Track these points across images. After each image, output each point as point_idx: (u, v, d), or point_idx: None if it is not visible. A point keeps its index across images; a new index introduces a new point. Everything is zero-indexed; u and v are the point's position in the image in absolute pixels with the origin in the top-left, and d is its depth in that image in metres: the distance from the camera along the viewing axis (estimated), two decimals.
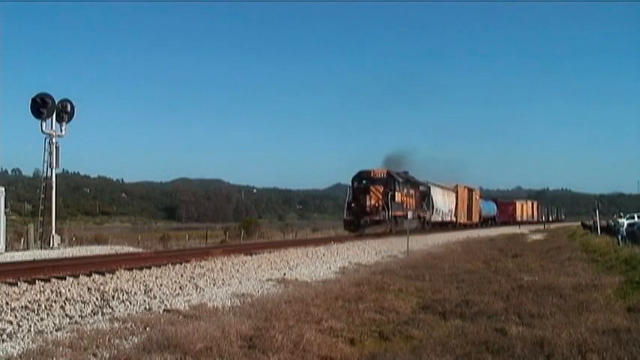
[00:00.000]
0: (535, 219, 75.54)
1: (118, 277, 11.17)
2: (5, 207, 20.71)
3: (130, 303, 8.87)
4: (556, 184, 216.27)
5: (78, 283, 10.26)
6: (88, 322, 7.53)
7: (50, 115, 22.38)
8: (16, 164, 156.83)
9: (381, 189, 29.91)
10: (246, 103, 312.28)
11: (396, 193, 30.86)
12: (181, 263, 13.81)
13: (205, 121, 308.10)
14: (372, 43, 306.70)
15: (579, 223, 55.30)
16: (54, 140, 22.54)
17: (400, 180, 32.15)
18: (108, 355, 5.92)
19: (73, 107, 23.21)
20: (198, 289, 10.39)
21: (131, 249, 22.55)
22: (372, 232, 28.62)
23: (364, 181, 30.86)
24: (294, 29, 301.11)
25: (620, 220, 30.37)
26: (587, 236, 31.60)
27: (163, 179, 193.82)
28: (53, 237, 21.99)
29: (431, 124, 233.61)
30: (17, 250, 20.33)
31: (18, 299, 8.54)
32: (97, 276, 11.23)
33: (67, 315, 7.89)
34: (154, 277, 11.32)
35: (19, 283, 9.94)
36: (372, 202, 29.40)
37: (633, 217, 40.55)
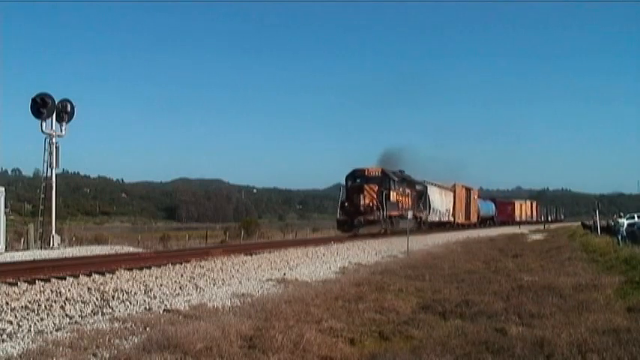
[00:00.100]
0: (534, 219, 75.27)
1: (118, 277, 11.16)
2: (5, 207, 20.71)
3: (130, 303, 8.87)
4: (556, 184, 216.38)
5: (78, 283, 10.26)
6: (88, 322, 7.53)
7: (50, 115, 22.38)
8: (16, 164, 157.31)
9: (376, 188, 28.96)
10: (246, 103, 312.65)
11: (391, 193, 30.04)
12: (181, 263, 13.81)
13: (205, 121, 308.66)
14: (372, 43, 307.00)
15: (579, 223, 55.27)
16: (54, 140, 22.54)
17: (395, 179, 31.30)
18: (108, 355, 5.92)
19: (73, 107, 23.21)
20: (198, 289, 10.39)
21: (131, 249, 22.56)
22: (366, 233, 27.75)
23: (358, 180, 29.84)
24: (294, 29, 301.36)
25: (620, 220, 30.38)
26: (587, 236, 31.60)
27: (163, 179, 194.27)
28: (53, 237, 22.00)
29: (431, 124, 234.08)
30: (17, 250, 20.34)
31: (18, 299, 8.54)
32: (97, 276, 11.23)
33: (67, 315, 7.89)
34: (153, 277, 11.32)
35: (19, 283, 9.94)
36: (366, 201, 28.48)
37: (633, 217, 40.58)
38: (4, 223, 20.33)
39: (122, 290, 9.74)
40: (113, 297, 9.21)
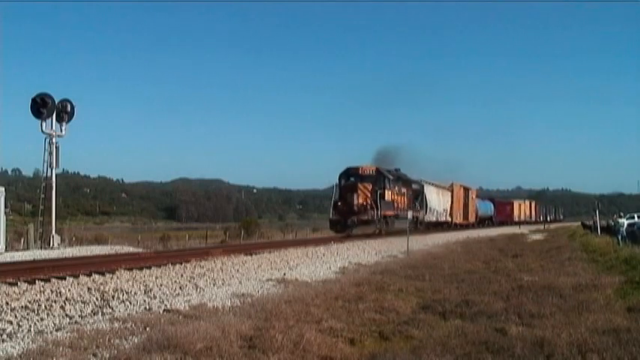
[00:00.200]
0: (533, 219, 74.94)
1: (118, 277, 11.16)
2: (5, 207, 20.71)
3: (130, 303, 8.87)
4: (556, 184, 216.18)
5: (78, 283, 10.26)
6: (88, 322, 7.53)
7: (50, 115, 22.38)
8: (16, 164, 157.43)
9: (370, 187, 27.87)
10: (246, 103, 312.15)
11: (386, 192, 28.99)
12: (181, 263, 13.81)
13: (205, 121, 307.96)
14: (372, 43, 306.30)
15: (579, 223, 55.24)
16: (54, 140, 22.54)
17: (390, 177, 30.36)
18: (108, 355, 5.92)
19: (73, 107, 23.21)
20: (198, 289, 10.39)
21: (131, 249, 22.56)
22: (360, 233, 26.86)
23: (352, 178, 28.78)
24: (294, 29, 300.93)
25: (620, 220, 30.39)
26: (587, 236, 31.61)
27: (163, 179, 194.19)
28: (53, 237, 22.00)
29: (431, 123, 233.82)
30: (17, 250, 20.34)
31: (18, 299, 8.54)
32: (97, 276, 11.23)
33: (67, 315, 7.89)
34: (154, 277, 11.32)
35: (19, 283, 9.94)
36: (360, 200, 27.34)
37: (633, 217, 40.58)
38: (4, 223, 20.33)
39: (122, 290, 9.74)
40: (113, 297, 9.22)
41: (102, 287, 9.87)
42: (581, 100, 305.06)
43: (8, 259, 15.60)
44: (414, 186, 35.76)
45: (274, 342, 6.33)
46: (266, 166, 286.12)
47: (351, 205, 27.20)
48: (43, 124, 22.27)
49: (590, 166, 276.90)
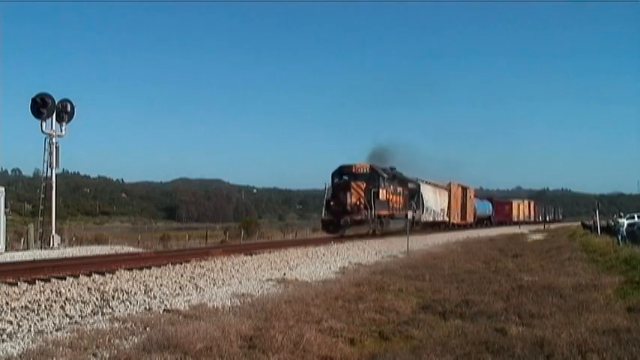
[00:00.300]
0: (532, 219, 74.62)
1: (118, 277, 11.16)
2: (5, 207, 20.72)
3: (130, 303, 8.87)
4: (556, 184, 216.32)
5: (78, 283, 10.26)
6: (88, 322, 7.53)
7: (50, 115, 22.39)
8: (16, 164, 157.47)
9: (364, 185, 26.83)
10: (246, 103, 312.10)
11: (381, 190, 27.89)
12: (181, 263, 13.81)
13: (205, 121, 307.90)
14: (372, 42, 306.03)
15: (579, 223, 55.21)
16: (54, 140, 22.55)
17: (385, 176, 29.22)
18: (108, 355, 5.92)
19: (73, 107, 23.22)
20: (198, 289, 10.39)
21: (131, 249, 22.57)
22: (353, 234, 25.88)
23: (345, 177, 27.79)
24: (294, 29, 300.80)
25: (620, 220, 30.41)
26: (587, 236, 31.60)
27: (163, 179, 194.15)
28: (53, 237, 22.00)
29: (431, 123, 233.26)
30: (17, 250, 20.35)
31: (18, 299, 8.54)
32: (97, 276, 11.23)
33: (67, 315, 7.89)
34: (154, 277, 11.32)
35: (19, 283, 9.94)
36: (353, 200, 26.37)
37: (633, 217, 40.60)
38: (4, 223, 20.33)
39: (122, 290, 9.74)
40: (113, 297, 9.21)
41: (102, 287, 9.87)
42: (581, 100, 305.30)
43: (8, 259, 15.60)
44: (410, 185, 34.82)
45: (274, 342, 6.33)
46: (266, 166, 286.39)
47: (344, 204, 26.31)
48: (43, 124, 22.28)
49: (590, 166, 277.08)
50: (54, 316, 7.74)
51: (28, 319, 7.45)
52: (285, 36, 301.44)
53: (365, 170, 28.11)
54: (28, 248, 21.19)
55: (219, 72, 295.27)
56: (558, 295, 9.88)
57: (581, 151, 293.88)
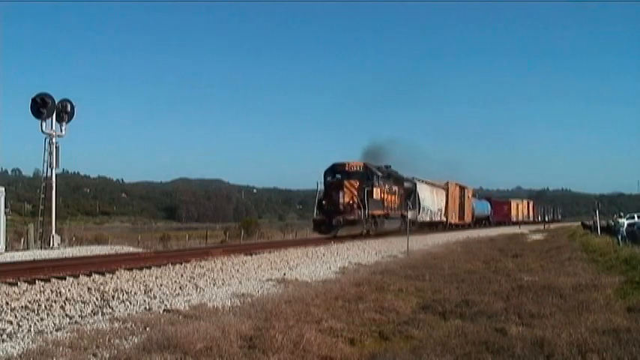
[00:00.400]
0: (531, 219, 74.32)
1: (118, 277, 11.16)
2: (5, 207, 20.72)
3: (130, 303, 8.86)
4: (556, 184, 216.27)
5: (78, 283, 10.26)
6: (88, 322, 7.53)
7: (50, 115, 22.40)
8: (16, 164, 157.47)
9: (357, 184, 25.92)
10: (246, 103, 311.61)
11: (374, 189, 27.04)
12: (181, 263, 13.81)
13: (205, 121, 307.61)
14: (372, 42, 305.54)
15: (579, 223, 55.19)
16: (54, 140, 22.56)
17: (379, 174, 28.32)
18: (108, 355, 5.92)
19: (73, 107, 23.24)
20: (198, 289, 10.39)
21: (131, 249, 22.58)
22: (346, 234, 25.08)
23: (338, 175, 26.73)
24: (294, 29, 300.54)
25: (620, 220, 30.41)
26: (587, 236, 31.60)
27: (163, 179, 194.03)
28: (53, 237, 22.01)
29: (431, 123, 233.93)
30: (17, 250, 20.35)
31: (18, 299, 8.54)
32: (97, 276, 11.23)
33: (67, 315, 7.88)
34: (154, 277, 11.32)
35: (19, 283, 9.94)
36: (346, 199, 25.45)
37: (633, 217, 40.61)
38: (4, 223, 20.34)
39: (122, 290, 9.74)
40: (113, 297, 9.21)
41: (102, 287, 9.87)
42: (581, 100, 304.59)
43: (8, 259, 15.61)
44: (405, 184, 33.86)
45: (274, 342, 6.33)
46: (266, 166, 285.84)
47: (337, 204, 25.44)
48: (43, 124, 22.30)
49: (590, 166, 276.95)
50: (54, 316, 7.73)
51: (28, 319, 7.45)
52: (285, 36, 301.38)
53: (358, 168, 27.15)
54: (28, 248, 21.19)
55: (219, 72, 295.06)
56: (558, 295, 9.88)
57: (581, 151, 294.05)
